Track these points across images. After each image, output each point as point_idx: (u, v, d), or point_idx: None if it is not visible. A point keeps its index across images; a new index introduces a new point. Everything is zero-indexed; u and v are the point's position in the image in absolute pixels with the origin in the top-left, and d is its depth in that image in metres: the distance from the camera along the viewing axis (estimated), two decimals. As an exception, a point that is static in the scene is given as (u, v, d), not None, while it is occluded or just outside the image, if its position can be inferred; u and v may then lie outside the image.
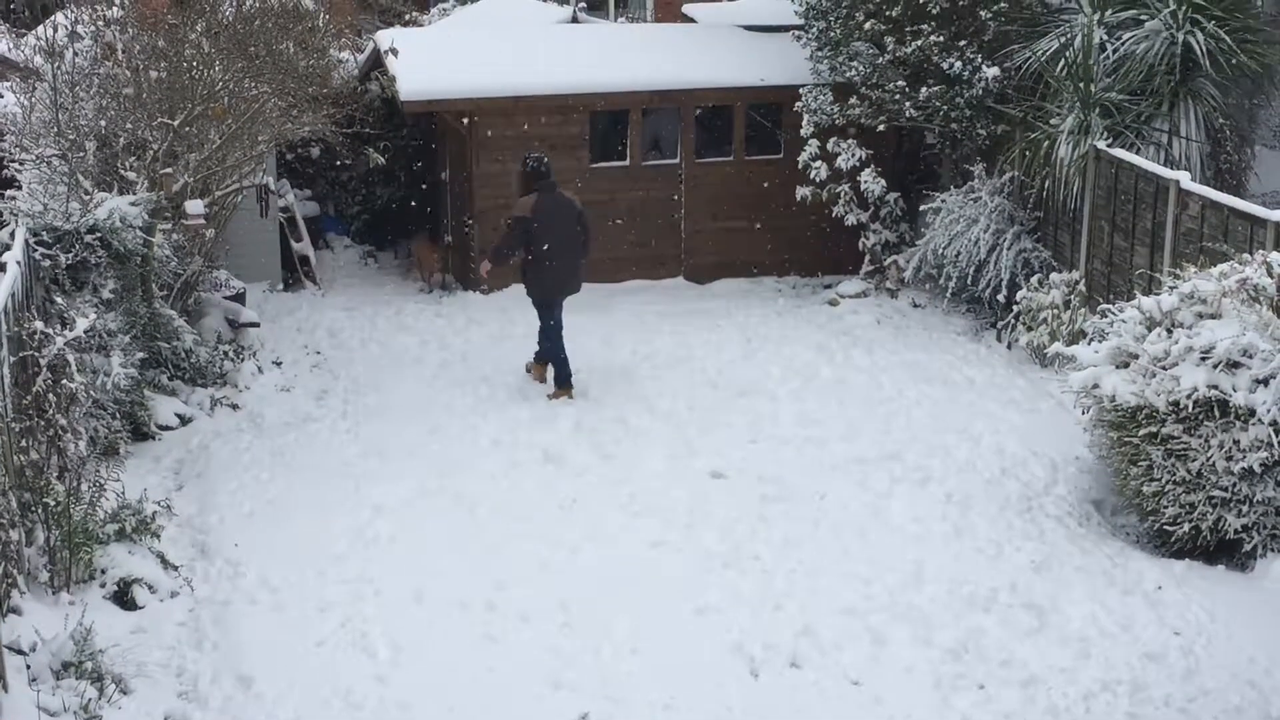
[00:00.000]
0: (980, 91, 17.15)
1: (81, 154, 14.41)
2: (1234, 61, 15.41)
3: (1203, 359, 11.08)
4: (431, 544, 11.76)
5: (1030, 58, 16.46)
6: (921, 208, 18.05)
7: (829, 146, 18.08)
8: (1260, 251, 12.07)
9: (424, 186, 20.44)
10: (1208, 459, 11.06)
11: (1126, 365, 11.58)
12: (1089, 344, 12.31)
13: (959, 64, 17.04)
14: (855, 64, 17.68)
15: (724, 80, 18.74)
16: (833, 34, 17.84)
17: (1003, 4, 17.11)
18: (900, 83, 17.49)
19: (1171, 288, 11.88)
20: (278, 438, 13.97)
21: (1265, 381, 10.89)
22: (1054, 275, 16.01)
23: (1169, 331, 11.46)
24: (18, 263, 11.69)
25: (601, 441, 13.80)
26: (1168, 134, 15.57)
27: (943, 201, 17.42)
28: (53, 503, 10.35)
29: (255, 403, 14.77)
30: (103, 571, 10.63)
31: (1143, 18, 15.92)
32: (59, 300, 12.78)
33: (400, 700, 9.55)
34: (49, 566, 10.32)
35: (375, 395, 15.07)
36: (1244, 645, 10.17)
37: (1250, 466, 10.93)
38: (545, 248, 14.63)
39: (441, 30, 22.36)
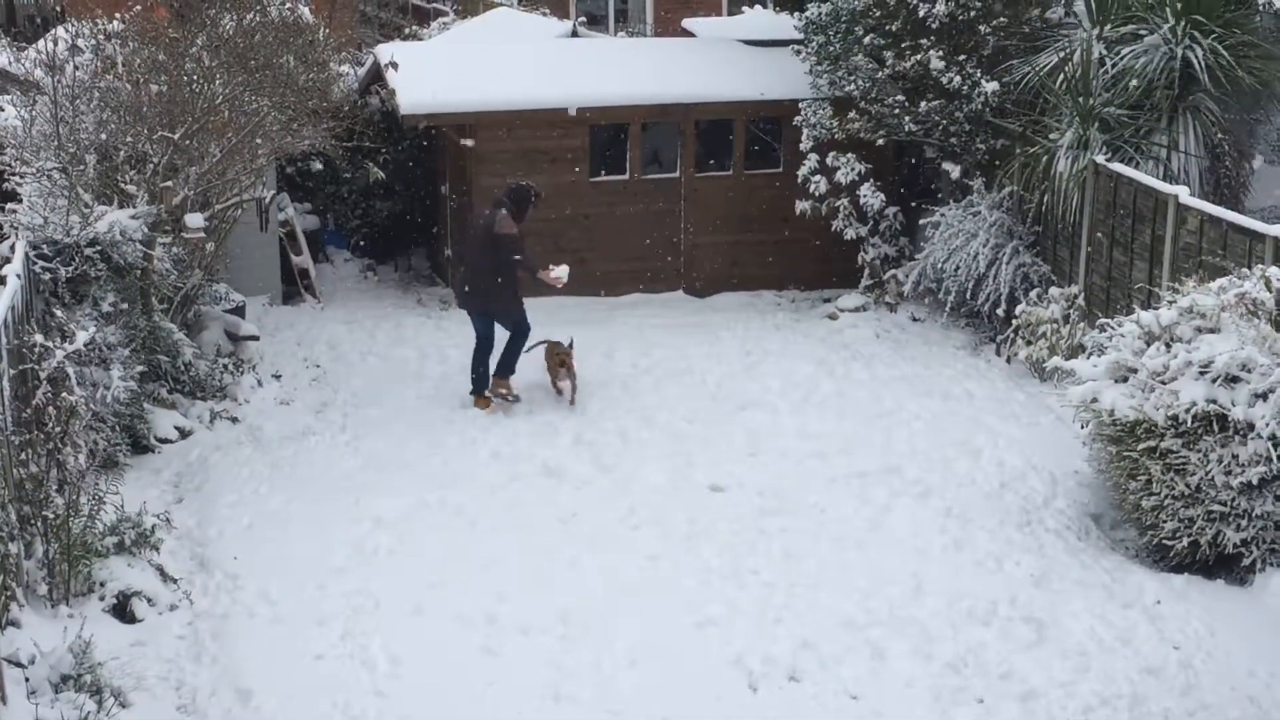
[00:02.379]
0: (979, 106, 17.18)
1: (82, 167, 14.43)
2: (1233, 76, 15.43)
3: (1201, 373, 11.09)
4: (431, 557, 11.76)
5: (1029, 72, 16.49)
6: (921, 222, 18.06)
7: (828, 160, 18.10)
8: (1259, 266, 12.09)
9: (424, 200, 20.45)
10: (1207, 473, 11.06)
11: (1125, 379, 11.59)
12: (1088, 358, 12.33)
13: (958, 78, 17.06)
14: (855, 78, 17.70)
15: (723, 94, 18.77)
16: (832, 48, 17.85)
17: (1002, 19, 17.15)
18: (899, 97, 17.52)
19: (1170, 302, 11.90)
20: (277, 451, 13.98)
21: (1264, 396, 10.90)
22: (1053, 290, 16.03)
23: (1168, 346, 11.47)
24: (18, 276, 11.71)
25: (601, 454, 13.81)
26: (1167, 149, 15.59)
27: (942, 216, 17.44)
28: (52, 515, 10.36)
29: (255, 416, 14.78)
30: (102, 584, 10.63)
31: (1142, 32, 15.95)
32: (59, 313, 12.79)
33: (400, 714, 9.55)
34: (48, 579, 10.32)
35: (375, 408, 15.08)
36: (1243, 659, 10.17)
37: (1249, 481, 10.94)
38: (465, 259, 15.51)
39: (441, 44, 22.38)
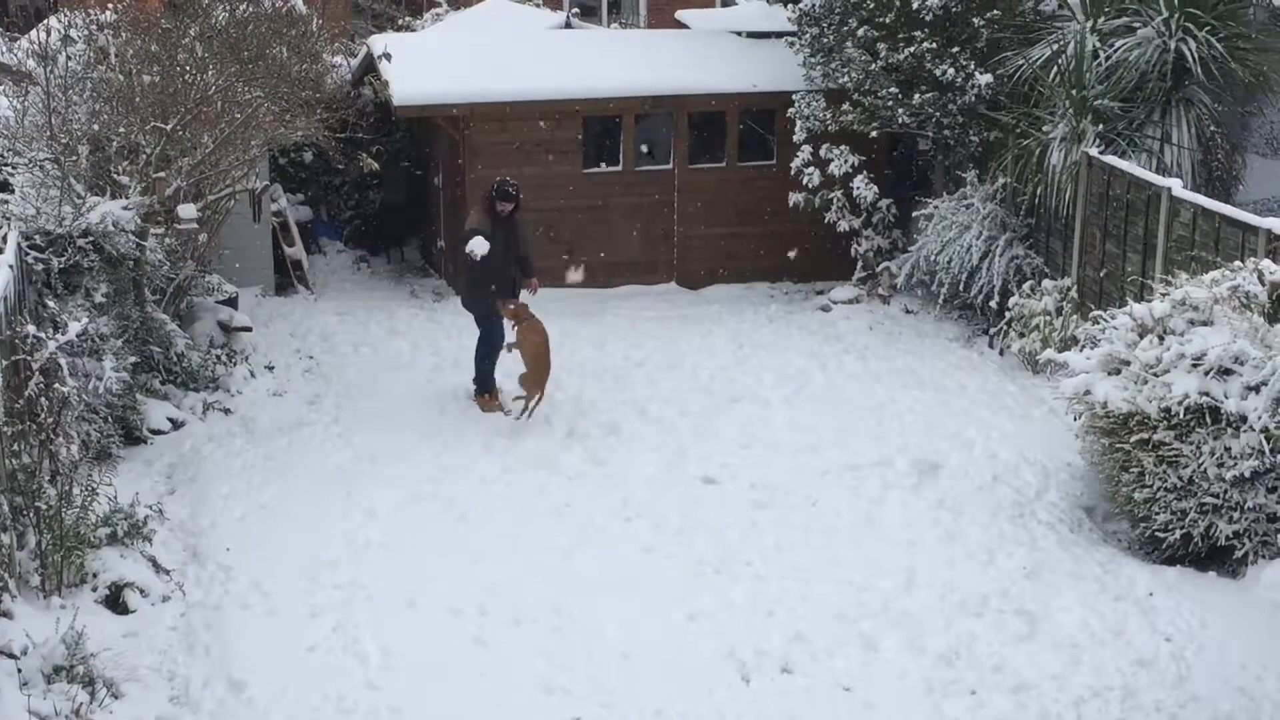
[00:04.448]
0: (973, 98, 17.19)
1: (74, 158, 14.40)
2: (1226, 69, 15.44)
3: (1194, 366, 11.10)
4: (423, 549, 11.76)
5: (1023, 64, 16.50)
6: (914, 214, 18.07)
7: (821, 153, 18.10)
8: (1251, 259, 12.10)
9: (417, 192, 20.44)
10: (1199, 466, 11.07)
11: (1118, 372, 11.60)
12: (1081, 350, 12.33)
13: (952, 71, 17.07)
14: (848, 70, 17.70)
15: (717, 86, 18.77)
16: (825, 40, 17.87)
17: (995, 11, 17.15)
18: (893, 89, 17.51)
19: (1163, 295, 11.91)
20: (270, 442, 13.97)
21: (1256, 388, 10.91)
22: (1046, 282, 16.04)
23: (1161, 338, 11.48)
24: (10, 266, 11.68)
25: (594, 447, 13.80)
26: (1159, 141, 15.61)
27: (935, 208, 17.44)
28: (44, 506, 10.34)
29: (247, 407, 14.76)
30: (94, 575, 10.62)
31: (1135, 25, 15.96)
32: (51, 304, 12.77)
33: (392, 706, 9.54)
34: (40, 570, 10.31)
35: (367, 400, 15.07)
36: (1235, 652, 10.18)
37: (1242, 473, 10.94)
38: None
39: (435, 35, 22.39)
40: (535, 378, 14.27)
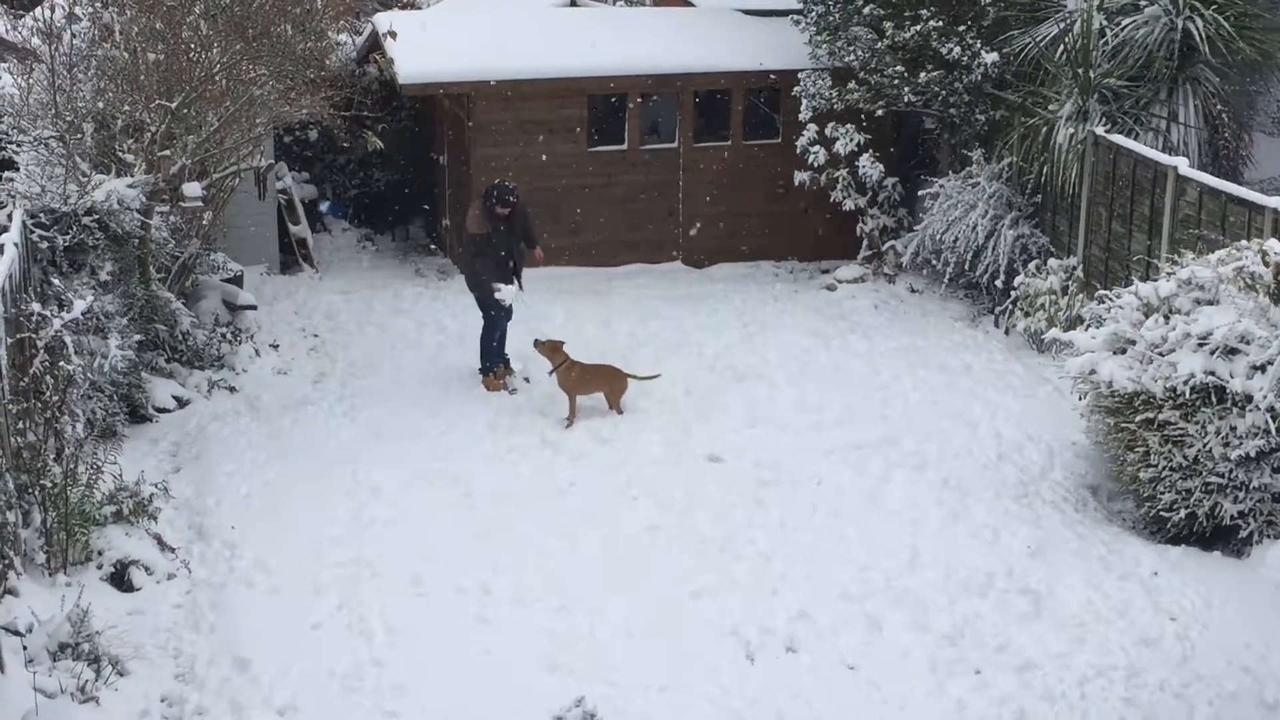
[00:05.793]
0: (979, 77, 17.14)
1: (79, 136, 14.39)
2: (1233, 47, 15.39)
3: (1200, 345, 11.09)
4: (428, 527, 11.78)
5: (1029, 43, 16.44)
6: (920, 193, 18.04)
7: (827, 131, 18.06)
8: (1257, 238, 12.07)
9: (422, 170, 20.41)
10: (1204, 445, 11.06)
11: (1124, 351, 11.59)
12: (1086, 330, 12.33)
13: (958, 49, 17.02)
14: (854, 49, 17.65)
15: (722, 64, 18.72)
16: (832, 18, 17.81)
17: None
18: (899, 68, 17.46)
19: (1169, 274, 11.89)
20: (275, 420, 13.98)
21: (1262, 368, 10.89)
22: (1052, 261, 16.02)
23: (1166, 318, 11.47)
24: (15, 244, 11.68)
25: (598, 426, 13.81)
26: (1166, 120, 15.56)
27: (941, 187, 17.41)
28: (50, 484, 10.36)
29: (252, 385, 14.77)
30: (99, 553, 10.65)
31: (1142, 3, 15.89)
32: (56, 282, 12.77)
33: (396, 683, 9.57)
34: (46, 548, 10.33)
35: (372, 378, 15.08)
36: (1239, 631, 10.19)
37: (1247, 453, 10.94)
38: None
39: (440, 13, 22.30)
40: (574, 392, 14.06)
